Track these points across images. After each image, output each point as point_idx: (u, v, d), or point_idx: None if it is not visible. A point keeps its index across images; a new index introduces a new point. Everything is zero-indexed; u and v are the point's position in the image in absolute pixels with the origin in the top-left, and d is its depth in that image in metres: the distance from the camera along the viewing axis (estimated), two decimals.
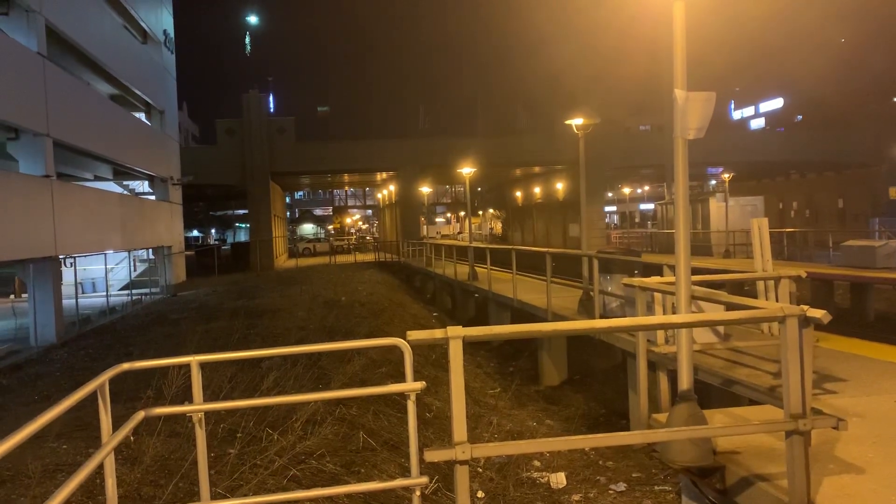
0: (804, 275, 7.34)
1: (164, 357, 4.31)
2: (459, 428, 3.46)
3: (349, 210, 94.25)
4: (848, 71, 51.39)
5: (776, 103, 70.68)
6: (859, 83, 51.01)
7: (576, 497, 6.86)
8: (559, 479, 7.13)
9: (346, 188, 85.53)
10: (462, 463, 3.44)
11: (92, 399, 3.38)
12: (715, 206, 34.48)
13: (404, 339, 3.68)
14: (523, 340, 14.67)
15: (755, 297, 8.27)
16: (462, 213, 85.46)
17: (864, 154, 46.47)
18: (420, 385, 3.79)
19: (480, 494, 6.61)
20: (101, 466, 3.26)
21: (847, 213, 49.72)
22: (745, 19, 47.01)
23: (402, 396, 3.89)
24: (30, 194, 16.05)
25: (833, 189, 51.77)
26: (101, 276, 24.35)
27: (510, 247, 18.13)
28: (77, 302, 18.88)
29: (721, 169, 45.50)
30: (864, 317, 18.07)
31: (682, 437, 4.50)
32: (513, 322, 15.76)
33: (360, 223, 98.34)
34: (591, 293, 11.62)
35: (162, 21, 30.35)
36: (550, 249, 14.59)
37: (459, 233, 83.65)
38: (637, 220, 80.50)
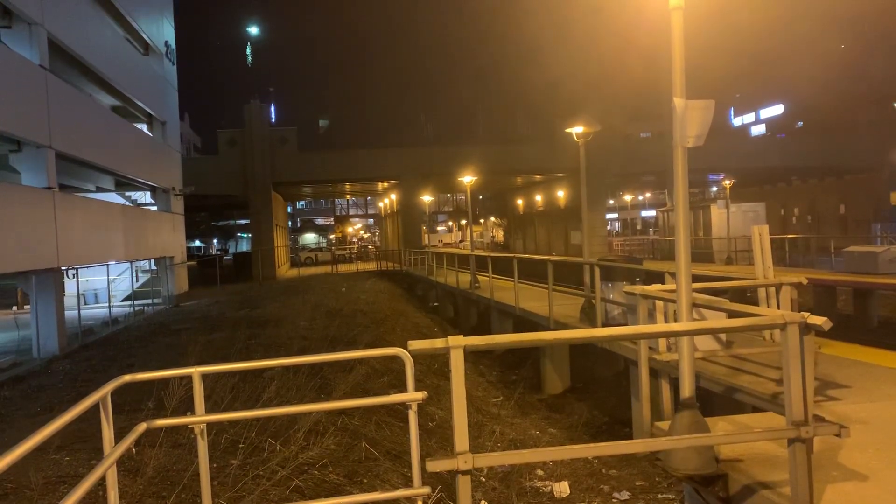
0: (805, 281, 7.35)
1: (166, 368, 4.32)
2: (461, 437, 3.46)
3: (351, 219, 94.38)
4: (848, 76, 51.44)
5: (777, 109, 70.75)
6: (860, 89, 51.05)
7: None
8: (563, 488, 7.11)
9: (348, 197, 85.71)
10: (464, 473, 3.44)
11: (94, 410, 3.38)
12: (716, 212, 34.47)
13: (406, 348, 3.68)
14: (526, 349, 14.65)
15: (757, 303, 8.26)
16: (463, 222, 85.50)
17: (866, 159, 46.49)
18: (421, 395, 3.79)
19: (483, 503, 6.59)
20: (103, 478, 3.26)
21: (849, 218, 49.65)
22: (745, 26, 47.13)
23: (404, 406, 3.89)
24: (32, 206, 16.09)
25: (835, 195, 51.74)
26: (104, 287, 24.37)
27: (512, 255, 18.13)
28: (79, 313, 18.89)
29: (722, 175, 45.54)
30: (867, 323, 18.01)
31: (685, 446, 4.49)
32: (515, 330, 15.75)
33: (362, 232, 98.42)
34: (593, 301, 11.61)
35: (163, 33, 30.49)
36: (552, 257, 14.59)
37: (461, 241, 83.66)
38: (639, 227, 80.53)
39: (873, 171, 46.97)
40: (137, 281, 27.40)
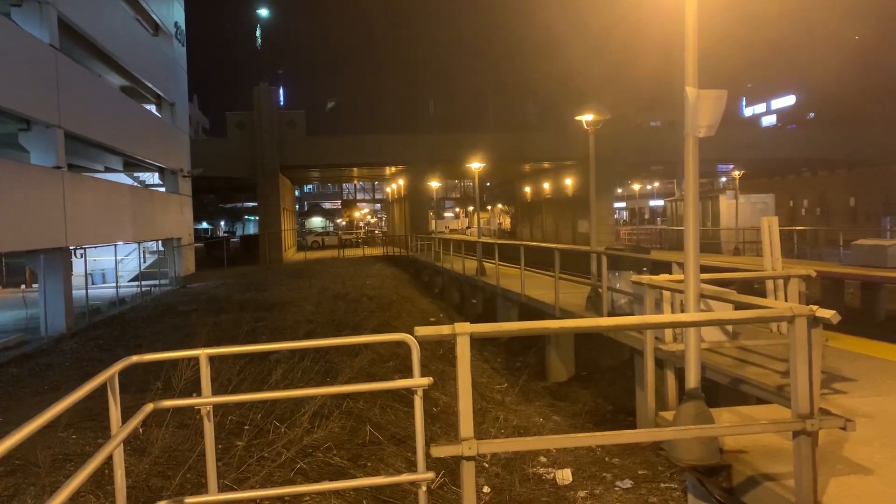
0: (813, 274, 7.31)
1: (173, 349, 4.33)
2: (466, 424, 3.46)
3: (358, 204, 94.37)
4: (861, 68, 50.93)
5: (788, 100, 70.15)
6: (873, 80, 50.57)
7: (581, 493, 6.86)
8: (565, 476, 7.14)
9: (356, 182, 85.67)
10: (468, 459, 3.45)
11: (101, 390, 3.40)
12: (725, 203, 34.32)
13: (412, 334, 3.68)
14: (531, 336, 14.66)
15: (765, 295, 8.23)
16: (471, 208, 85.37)
17: (877, 152, 46.06)
18: (427, 381, 3.79)
19: (486, 489, 6.63)
20: (109, 457, 3.28)
21: (859, 211, 49.35)
22: (758, 16, 46.64)
23: (409, 391, 3.90)
24: (41, 185, 16.14)
25: (845, 187, 51.39)
26: (111, 267, 24.47)
27: (519, 242, 18.09)
28: (87, 293, 18.99)
29: (732, 166, 45.32)
30: (875, 316, 17.94)
31: (689, 436, 4.49)
32: (521, 317, 15.75)
33: (369, 217, 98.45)
34: (600, 290, 11.59)
35: (173, 13, 30.42)
36: (559, 245, 14.56)
37: (468, 228, 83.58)
38: (647, 216, 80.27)
39: (885, 164, 46.57)
40: (145, 262, 27.53)
